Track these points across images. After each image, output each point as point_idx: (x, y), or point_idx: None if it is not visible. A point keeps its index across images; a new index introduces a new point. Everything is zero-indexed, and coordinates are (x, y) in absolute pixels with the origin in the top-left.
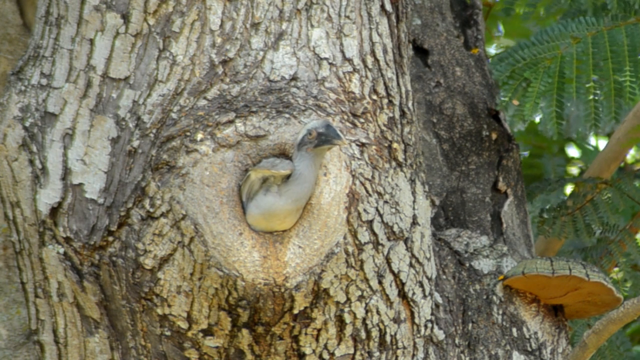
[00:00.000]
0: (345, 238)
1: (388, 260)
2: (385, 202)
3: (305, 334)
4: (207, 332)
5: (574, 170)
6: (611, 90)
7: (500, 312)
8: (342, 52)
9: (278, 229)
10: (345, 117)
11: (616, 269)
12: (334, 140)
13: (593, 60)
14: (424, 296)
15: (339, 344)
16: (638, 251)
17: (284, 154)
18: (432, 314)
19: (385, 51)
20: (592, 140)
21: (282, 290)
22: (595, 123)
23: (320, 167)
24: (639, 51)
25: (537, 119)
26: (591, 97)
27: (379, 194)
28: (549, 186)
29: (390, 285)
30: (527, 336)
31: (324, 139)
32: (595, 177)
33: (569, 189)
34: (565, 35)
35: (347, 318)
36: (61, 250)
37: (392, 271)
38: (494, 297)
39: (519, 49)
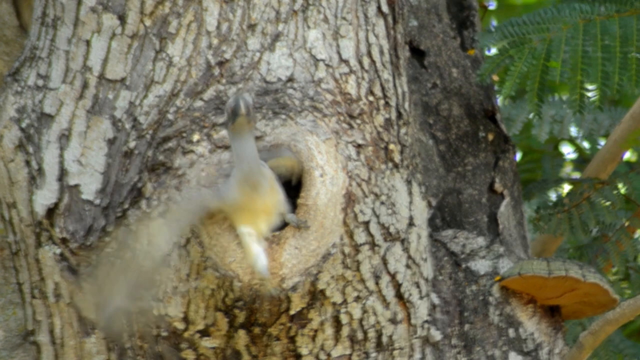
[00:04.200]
0: (341, 239)
1: (384, 261)
2: (382, 203)
3: (302, 334)
4: (204, 333)
5: (568, 169)
6: (598, 79)
7: (497, 312)
8: (339, 53)
9: (257, 208)
10: (342, 118)
11: (614, 269)
12: (237, 118)
13: (582, 48)
14: (421, 297)
15: (335, 345)
16: (634, 251)
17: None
18: (428, 314)
19: (381, 52)
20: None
21: (279, 291)
22: (580, 110)
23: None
24: (630, 44)
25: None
26: (577, 81)
27: (376, 195)
28: (546, 186)
29: (387, 286)
30: (524, 337)
31: (234, 114)
32: (592, 178)
33: (566, 188)
34: (558, 19)
35: (344, 319)
36: (57, 251)
37: (388, 272)
38: (491, 298)
39: (509, 25)
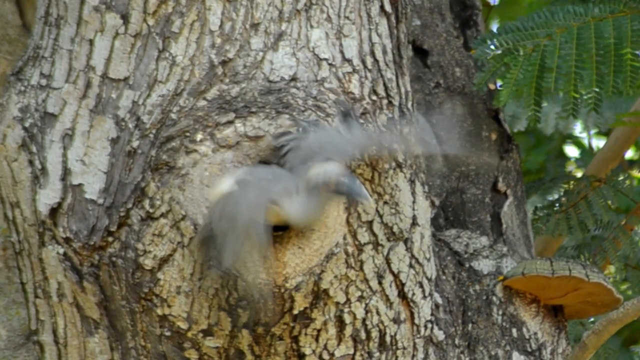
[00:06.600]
0: (345, 238)
1: (388, 261)
2: (385, 202)
3: (305, 334)
4: (207, 333)
5: (570, 167)
6: (592, 82)
7: (500, 312)
8: (342, 52)
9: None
10: None
11: (612, 267)
12: (359, 199)
13: (576, 51)
14: (424, 297)
15: (338, 345)
16: (632, 249)
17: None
18: (432, 314)
19: (384, 52)
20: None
21: (282, 290)
22: (574, 113)
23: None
24: (625, 44)
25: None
26: (571, 87)
27: (379, 194)
28: (543, 185)
29: (390, 286)
30: (527, 337)
31: (346, 192)
32: (590, 176)
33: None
34: (551, 23)
35: (347, 318)
36: (61, 251)
37: (391, 272)
38: (494, 298)
39: (504, 32)
